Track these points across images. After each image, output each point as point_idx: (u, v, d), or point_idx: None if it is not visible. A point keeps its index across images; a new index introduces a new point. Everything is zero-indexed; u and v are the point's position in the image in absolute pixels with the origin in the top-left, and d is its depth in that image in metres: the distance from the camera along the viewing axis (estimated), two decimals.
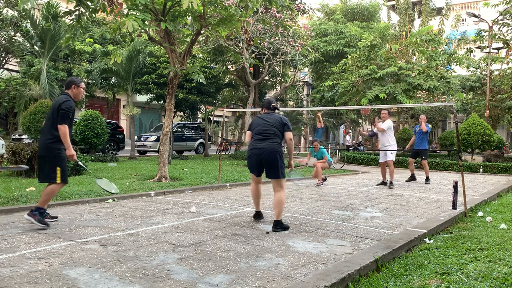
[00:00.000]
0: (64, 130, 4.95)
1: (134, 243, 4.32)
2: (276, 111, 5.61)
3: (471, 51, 18.48)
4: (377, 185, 10.44)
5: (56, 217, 5.37)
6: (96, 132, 14.27)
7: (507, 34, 14.41)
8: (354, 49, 21.90)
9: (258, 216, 5.69)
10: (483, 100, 23.52)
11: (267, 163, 5.18)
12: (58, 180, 4.99)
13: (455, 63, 19.79)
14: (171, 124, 9.78)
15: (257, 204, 5.67)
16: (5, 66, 21.42)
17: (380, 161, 10.36)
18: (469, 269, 3.73)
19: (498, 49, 20.68)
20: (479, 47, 17.70)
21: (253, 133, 5.35)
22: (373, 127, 10.72)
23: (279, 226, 5.06)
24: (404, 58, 20.44)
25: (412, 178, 11.52)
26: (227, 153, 23.45)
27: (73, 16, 8.37)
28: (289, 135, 5.32)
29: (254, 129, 5.36)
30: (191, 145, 22.81)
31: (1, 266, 3.52)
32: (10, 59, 21.38)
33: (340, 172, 14.24)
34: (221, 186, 9.19)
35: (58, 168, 4.99)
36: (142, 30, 9.04)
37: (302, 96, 36.32)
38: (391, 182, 10.01)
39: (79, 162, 5.98)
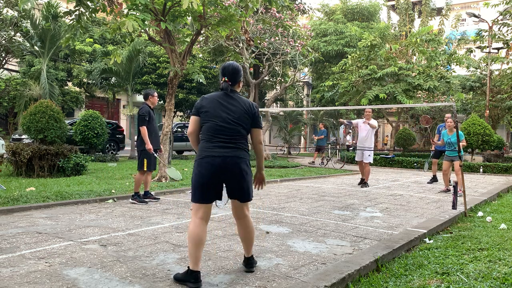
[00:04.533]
0: (143, 131, 6.71)
1: (134, 243, 4.32)
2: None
3: (471, 51, 18.48)
4: (358, 184, 10.34)
5: (158, 198, 7.18)
6: (96, 132, 14.27)
7: (507, 34, 14.41)
8: (354, 49, 21.90)
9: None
10: (483, 100, 23.51)
11: (234, 178, 3.29)
12: (145, 168, 6.77)
13: (455, 63, 19.79)
14: (171, 124, 9.78)
15: (198, 258, 3.19)
16: (5, 66, 21.41)
17: (357, 159, 10.28)
18: (469, 269, 3.73)
19: (498, 49, 20.66)
20: (479, 47, 17.68)
21: (206, 130, 3.30)
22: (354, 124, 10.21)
23: (252, 262, 3.58)
24: (404, 58, 20.44)
25: (434, 179, 11.02)
26: None
27: (73, 16, 8.38)
28: (259, 135, 3.45)
29: (209, 122, 3.28)
30: (191, 145, 22.78)
31: (1, 266, 3.52)
32: (10, 59, 21.38)
33: (340, 172, 14.24)
34: None
35: (145, 160, 6.76)
36: (142, 30, 9.04)
37: (302, 96, 36.32)
38: (365, 182, 10.04)
39: (156, 155, 7.05)
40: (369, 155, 9.88)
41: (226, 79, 3.34)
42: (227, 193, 3.37)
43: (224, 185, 3.30)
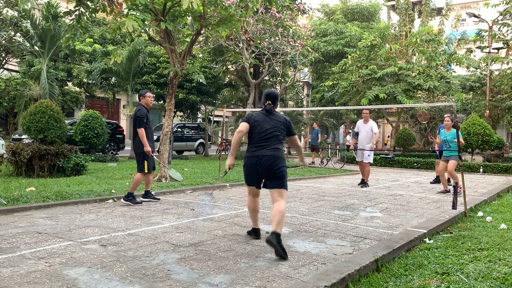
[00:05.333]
0: (142, 133, 6.61)
1: (134, 243, 4.32)
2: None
3: (471, 51, 18.48)
4: (358, 184, 10.39)
5: (159, 199, 7.16)
6: (96, 132, 14.27)
7: (507, 34, 14.41)
8: (354, 49, 21.90)
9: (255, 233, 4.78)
10: (483, 100, 23.51)
11: (271, 172, 4.36)
12: (146, 170, 6.68)
13: (455, 63, 19.79)
14: (171, 124, 9.78)
15: (256, 220, 4.79)
16: (5, 66, 21.41)
17: (358, 160, 10.34)
18: (469, 269, 3.73)
19: (498, 49, 20.66)
20: (479, 47, 17.68)
21: (255, 136, 4.42)
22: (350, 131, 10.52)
23: (279, 239, 4.20)
24: (404, 58, 20.44)
25: (437, 180, 10.94)
26: (227, 153, 23.45)
27: (73, 16, 8.37)
28: (296, 140, 4.73)
29: (257, 130, 4.43)
30: (191, 145, 22.81)
31: (1, 266, 3.52)
32: (10, 59, 21.38)
33: (340, 172, 14.24)
34: (221, 186, 9.19)
35: (145, 162, 6.66)
36: (142, 30, 9.04)
37: (302, 96, 36.30)
38: (365, 182, 10.10)
39: (155, 157, 7.04)
40: (368, 155, 9.91)
41: (269, 103, 4.54)
42: (267, 184, 4.41)
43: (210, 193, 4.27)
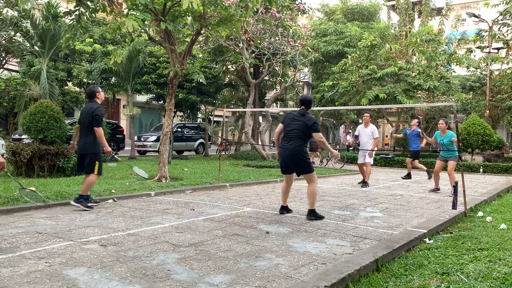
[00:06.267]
0: (101, 132, 6.22)
1: (134, 243, 4.32)
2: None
3: (471, 51, 18.47)
4: (358, 183, 10.61)
5: (98, 202, 6.52)
6: None
7: (507, 34, 14.40)
8: (354, 49, 21.89)
9: (285, 210, 6.23)
10: (483, 100, 23.50)
11: (295, 161, 5.81)
12: (96, 172, 6.25)
13: (455, 63, 19.78)
14: (171, 124, 9.78)
15: (285, 199, 6.25)
16: (5, 66, 21.41)
17: (359, 162, 10.45)
18: (469, 269, 3.73)
19: (498, 49, 20.67)
20: (479, 47, 17.68)
21: (285, 133, 5.93)
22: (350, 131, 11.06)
23: (312, 214, 5.76)
24: (404, 58, 20.43)
25: (409, 176, 11.93)
26: (227, 153, 23.45)
27: (73, 16, 8.37)
28: (317, 135, 5.81)
29: (286, 129, 5.94)
30: (191, 145, 22.80)
31: (1, 266, 3.52)
32: (10, 59, 21.37)
33: (340, 172, 14.23)
34: (221, 186, 9.19)
35: (97, 163, 6.24)
36: (142, 30, 9.04)
37: None
38: (365, 182, 10.25)
39: (115, 155, 6.77)
40: (370, 157, 10.07)
41: (303, 108, 5.89)
42: (296, 172, 5.96)
43: None
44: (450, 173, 8.59)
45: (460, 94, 20.90)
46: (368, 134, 9.94)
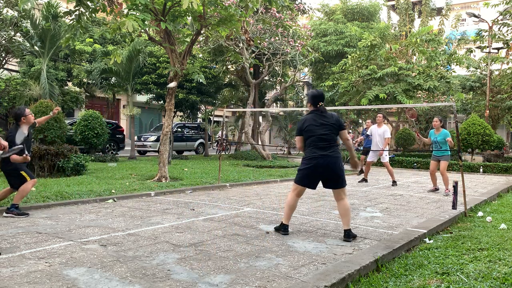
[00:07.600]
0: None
1: (134, 243, 4.32)
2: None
3: (471, 51, 18.47)
4: (358, 182, 10.85)
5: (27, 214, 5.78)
6: (96, 132, 14.26)
7: (507, 34, 14.41)
8: (354, 49, 21.88)
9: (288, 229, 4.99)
10: (483, 100, 23.50)
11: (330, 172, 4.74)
12: (28, 179, 5.77)
13: (455, 63, 19.77)
14: (171, 124, 9.78)
15: (289, 217, 4.98)
16: (5, 66, 21.40)
17: (369, 160, 10.73)
18: (469, 269, 3.73)
19: (498, 49, 20.65)
20: (479, 47, 17.68)
21: (310, 140, 4.76)
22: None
23: (350, 235, 4.69)
24: (404, 58, 20.43)
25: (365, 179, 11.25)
26: (227, 153, 23.45)
27: (73, 16, 8.37)
28: (344, 133, 4.89)
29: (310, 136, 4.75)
30: (191, 145, 22.80)
31: (1, 266, 3.52)
32: (10, 59, 21.36)
33: None
34: (221, 186, 9.19)
35: (22, 172, 5.75)
36: (142, 30, 9.04)
37: (302, 96, 36.31)
38: (364, 179, 10.67)
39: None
40: (385, 155, 10.46)
41: (321, 104, 4.80)
42: (324, 183, 4.83)
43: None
44: (443, 172, 8.68)
45: (460, 94, 20.90)
46: (380, 134, 10.27)
